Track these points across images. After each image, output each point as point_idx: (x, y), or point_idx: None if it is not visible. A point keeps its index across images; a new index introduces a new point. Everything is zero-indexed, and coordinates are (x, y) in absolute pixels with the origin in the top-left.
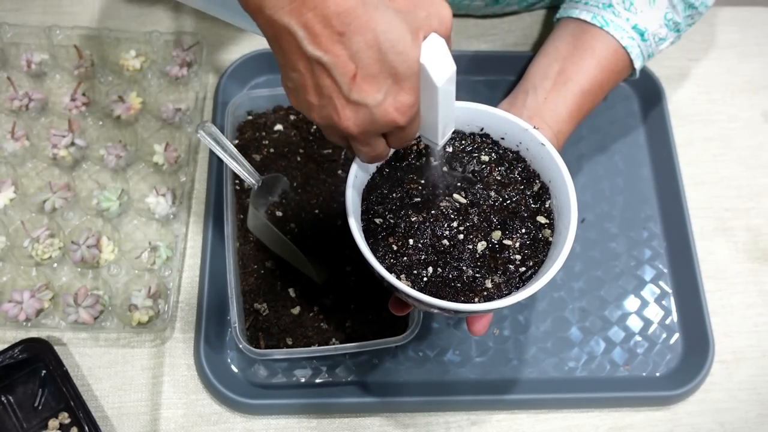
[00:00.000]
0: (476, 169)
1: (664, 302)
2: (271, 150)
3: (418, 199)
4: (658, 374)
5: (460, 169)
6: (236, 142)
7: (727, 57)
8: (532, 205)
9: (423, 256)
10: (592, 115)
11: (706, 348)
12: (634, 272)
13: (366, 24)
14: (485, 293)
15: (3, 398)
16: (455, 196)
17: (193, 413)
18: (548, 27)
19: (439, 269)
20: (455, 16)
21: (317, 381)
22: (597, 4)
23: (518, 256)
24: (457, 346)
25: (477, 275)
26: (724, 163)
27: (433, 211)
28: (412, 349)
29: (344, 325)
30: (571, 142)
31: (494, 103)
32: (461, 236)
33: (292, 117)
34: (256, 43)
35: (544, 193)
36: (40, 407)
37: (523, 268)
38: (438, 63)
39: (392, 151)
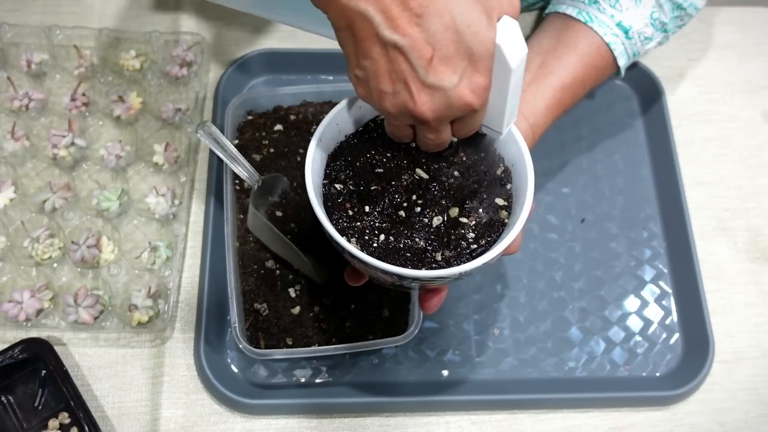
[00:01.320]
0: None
1: (664, 302)
2: (271, 150)
3: (381, 170)
4: (658, 374)
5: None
6: (236, 142)
7: (727, 57)
8: (493, 187)
9: (376, 223)
10: (592, 115)
11: (706, 348)
12: (634, 272)
13: (443, 6)
14: (434, 265)
15: (3, 398)
16: (417, 170)
17: (193, 413)
18: None
19: (391, 238)
20: None
21: (317, 381)
22: (583, 0)
23: (472, 234)
24: (457, 346)
25: (428, 248)
26: (724, 163)
27: (393, 183)
28: (412, 349)
29: (344, 325)
30: (571, 142)
31: None
32: (418, 209)
33: (292, 117)
34: (256, 43)
35: (506, 176)
36: (40, 407)
37: (475, 246)
38: (512, 44)
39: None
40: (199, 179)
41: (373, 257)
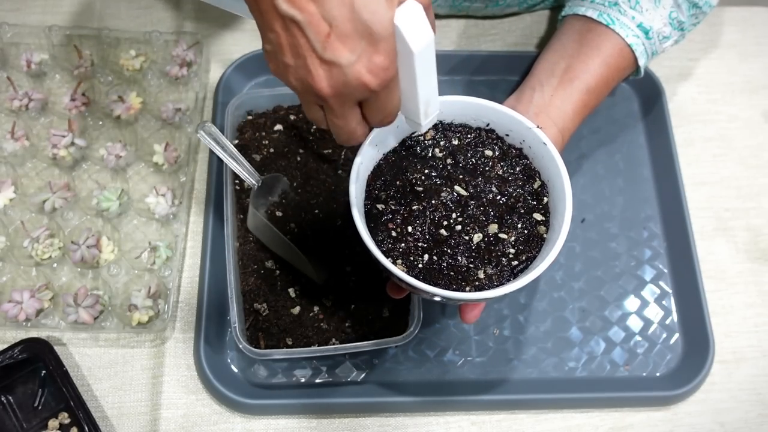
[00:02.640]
0: (479, 162)
1: (664, 302)
2: (271, 150)
3: (420, 189)
4: (658, 374)
5: (464, 162)
6: (236, 142)
7: (727, 57)
8: (530, 202)
9: (420, 244)
10: (592, 114)
11: (706, 348)
12: (634, 272)
13: None
14: (477, 283)
15: (3, 398)
16: (456, 188)
17: (193, 413)
18: (549, 27)
19: (434, 257)
20: (455, 17)
21: (317, 381)
22: (603, 2)
23: (512, 250)
24: (457, 346)
25: (470, 265)
26: (724, 163)
27: (433, 201)
28: (412, 349)
29: (344, 325)
30: (572, 141)
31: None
32: (459, 227)
33: (292, 117)
34: (256, 43)
35: (542, 190)
36: (40, 407)
37: (516, 262)
38: (414, 27)
39: (371, 136)
40: (199, 179)
41: (419, 278)
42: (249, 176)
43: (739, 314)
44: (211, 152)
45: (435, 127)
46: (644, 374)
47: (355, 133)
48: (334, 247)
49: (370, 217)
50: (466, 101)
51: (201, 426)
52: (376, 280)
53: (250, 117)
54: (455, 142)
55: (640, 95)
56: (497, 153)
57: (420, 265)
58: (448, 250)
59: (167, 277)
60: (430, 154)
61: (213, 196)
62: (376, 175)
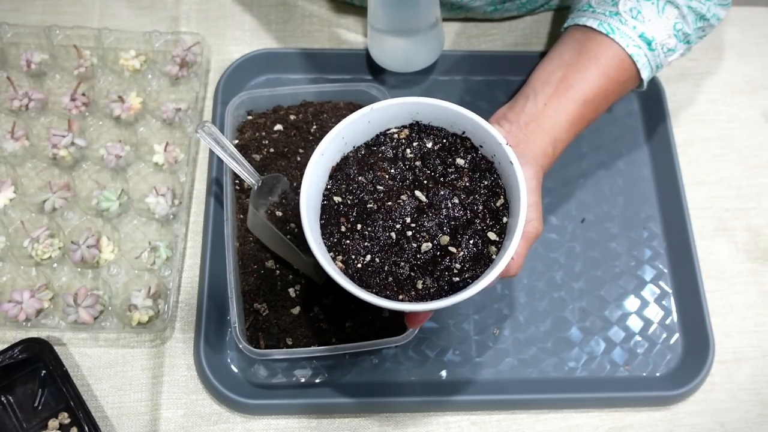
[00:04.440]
0: (448, 171)
1: (664, 302)
2: (271, 150)
3: (381, 188)
4: (658, 374)
5: (432, 167)
6: (236, 142)
7: (727, 57)
8: (488, 220)
9: (366, 243)
10: None
11: (706, 348)
12: (634, 272)
13: None
14: (412, 293)
15: (3, 398)
16: (417, 193)
17: (193, 413)
18: (549, 27)
19: (377, 259)
20: (456, 20)
21: (317, 381)
22: (604, 12)
23: (458, 266)
24: (457, 346)
25: (411, 273)
26: (724, 163)
27: (389, 203)
28: (412, 349)
29: (344, 325)
30: (572, 142)
31: (496, 105)
32: (410, 233)
33: (292, 117)
34: (256, 43)
35: (504, 210)
36: (40, 407)
37: (457, 278)
38: None
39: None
40: (199, 179)
41: (354, 278)
42: (249, 176)
43: (739, 314)
44: (211, 152)
45: (411, 126)
46: (644, 374)
47: None
48: None
49: (326, 208)
50: (444, 107)
51: (201, 426)
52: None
53: (250, 117)
54: (429, 145)
55: (640, 95)
56: (468, 164)
57: (359, 265)
58: (393, 256)
59: (167, 277)
60: (400, 154)
61: (213, 196)
62: (341, 166)
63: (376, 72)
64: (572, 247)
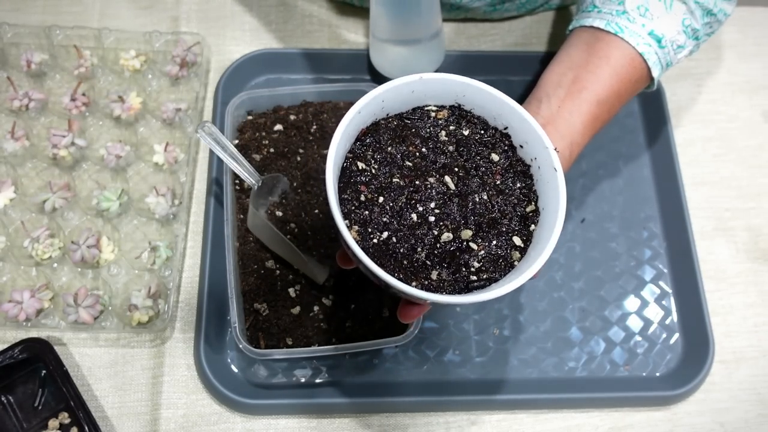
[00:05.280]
0: (481, 164)
1: (664, 302)
2: (271, 150)
3: (410, 164)
4: (658, 374)
5: (465, 156)
6: (236, 142)
7: (727, 57)
8: (516, 224)
9: (385, 219)
10: None
11: (706, 348)
12: (634, 272)
13: None
14: (425, 282)
15: (3, 398)
16: (447, 178)
17: (193, 413)
18: (548, 27)
19: (394, 239)
20: (455, 20)
21: (317, 381)
22: (611, 12)
23: (476, 264)
24: (457, 346)
25: (428, 262)
26: (724, 163)
27: (417, 182)
28: (412, 349)
29: (344, 325)
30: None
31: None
32: (432, 218)
33: (292, 117)
34: (256, 43)
35: (534, 217)
36: (40, 407)
37: (474, 277)
38: None
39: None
40: (199, 179)
41: (368, 254)
42: (249, 176)
43: (739, 314)
44: (211, 152)
45: (452, 108)
46: (644, 374)
47: None
48: (334, 247)
49: (346, 172)
50: (493, 94)
51: (201, 426)
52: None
53: (250, 117)
54: (465, 133)
55: (640, 95)
56: (503, 162)
57: (375, 240)
58: (411, 239)
59: (167, 277)
60: (435, 135)
61: (213, 196)
62: (370, 130)
63: (376, 72)
64: (572, 247)
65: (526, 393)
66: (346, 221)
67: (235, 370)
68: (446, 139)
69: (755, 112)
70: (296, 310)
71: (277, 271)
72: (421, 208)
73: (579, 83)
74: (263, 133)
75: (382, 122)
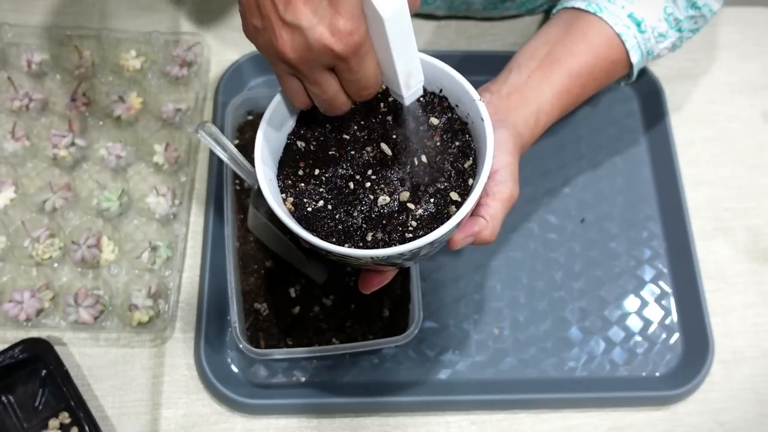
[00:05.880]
0: (420, 129)
1: (664, 302)
2: None
3: (347, 137)
4: (658, 374)
5: (403, 123)
6: (236, 142)
7: (727, 57)
8: (454, 180)
9: (321, 189)
10: (592, 114)
11: (706, 348)
12: (634, 272)
13: None
14: (360, 243)
15: (3, 398)
16: (382, 145)
17: (193, 413)
18: None
19: (329, 206)
20: (455, 18)
21: (317, 381)
22: None
23: (413, 223)
24: (457, 346)
25: (364, 225)
26: (724, 163)
27: (353, 152)
28: (412, 349)
29: (344, 325)
30: (571, 141)
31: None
32: (368, 183)
33: None
34: None
35: (472, 171)
36: (40, 407)
37: (410, 235)
38: None
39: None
40: (199, 179)
41: (301, 222)
42: (249, 176)
43: (739, 314)
44: (211, 152)
45: None
46: (644, 374)
47: (335, 101)
48: None
49: (288, 151)
50: (423, 59)
51: (201, 426)
52: None
53: (250, 117)
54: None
55: (640, 95)
56: (443, 123)
57: (309, 209)
58: (346, 205)
59: (167, 277)
60: (373, 106)
61: (213, 196)
62: (312, 111)
63: None
64: (572, 247)
65: (526, 393)
66: (284, 195)
67: (235, 370)
68: (385, 109)
69: (755, 112)
70: (296, 310)
71: (277, 271)
72: (358, 177)
73: (552, 56)
74: None
75: None
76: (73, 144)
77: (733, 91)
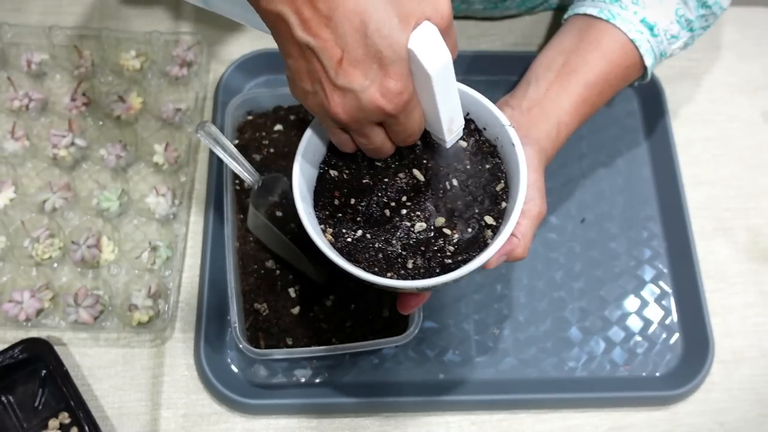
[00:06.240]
0: (450, 151)
1: (664, 302)
2: (271, 150)
3: (379, 164)
4: (658, 374)
5: (433, 148)
6: (236, 142)
7: (727, 57)
8: (487, 204)
9: (358, 218)
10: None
11: (706, 348)
12: (634, 272)
13: (353, 8)
14: (402, 272)
15: (3, 398)
16: (415, 171)
17: (193, 413)
18: (549, 27)
19: (368, 235)
20: (455, 18)
21: (317, 381)
22: (604, 0)
23: (451, 248)
24: (457, 346)
25: (402, 253)
26: (724, 163)
27: (386, 179)
28: (412, 349)
29: (344, 325)
30: (571, 141)
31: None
32: (404, 211)
33: (292, 117)
34: (256, 43)
35: (504, 194)
36: (40, 407)
37: (449, 261)
38: (429, 50)
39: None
40: (199, 179)
41: (343, 253)
42: (249, 176)
43: (739, 314)
44: (211, 152)
45: None
46: (644, 374)
47: (382, 149)
48: None
49: (321, 181)
50: None
51: (201, 426)
52: None
53: (250, 117)
54: None
55: (640, 95)
56: (472, 146)
57: (349, 239)
58: (384, 233)
59: (167, 277)
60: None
61: (213, 196)
62: None
63: None
64: (572, 247)
65: (526, 393)
66: (322, 226)
67: (235, 370)
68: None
69: (755, 112)
70: (296, 310)
71: (277, 271)
72: (393, 204)
73: (568, 66)
74: (263, 133)
75: None
76: (72, 144)
77: (733, 91)
